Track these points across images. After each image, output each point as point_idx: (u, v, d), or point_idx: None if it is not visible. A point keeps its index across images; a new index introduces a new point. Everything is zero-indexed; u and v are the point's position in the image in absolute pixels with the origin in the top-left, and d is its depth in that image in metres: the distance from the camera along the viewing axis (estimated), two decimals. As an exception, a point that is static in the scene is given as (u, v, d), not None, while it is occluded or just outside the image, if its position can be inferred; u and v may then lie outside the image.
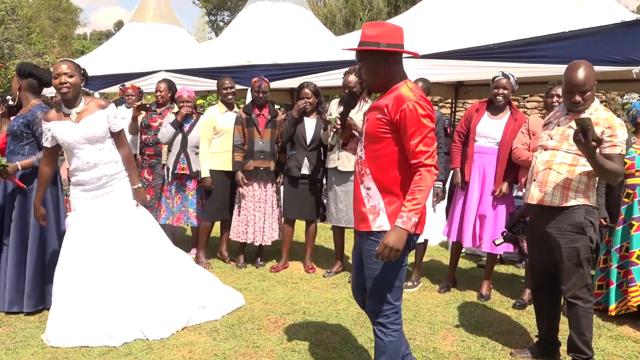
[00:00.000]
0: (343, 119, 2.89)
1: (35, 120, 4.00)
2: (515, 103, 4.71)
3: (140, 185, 3.84)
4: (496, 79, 4.63)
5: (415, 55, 2.70)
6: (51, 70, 4.33)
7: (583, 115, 3.12)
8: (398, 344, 2.69)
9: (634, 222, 4.14)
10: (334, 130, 2.86)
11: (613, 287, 4.19)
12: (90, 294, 3.53)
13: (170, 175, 5.54)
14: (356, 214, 2.74)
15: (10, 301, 3.99)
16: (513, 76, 4.63)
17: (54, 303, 3.60)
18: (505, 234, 3.67)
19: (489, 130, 4.62)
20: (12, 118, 4.67)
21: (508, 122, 4.59)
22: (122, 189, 3.78)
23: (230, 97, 5.57)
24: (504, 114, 4.65)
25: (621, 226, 4.22)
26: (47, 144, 3.69)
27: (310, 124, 5.28)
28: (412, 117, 2.48)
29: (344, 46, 2.65)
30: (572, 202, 3.18)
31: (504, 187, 4.56)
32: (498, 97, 4.61)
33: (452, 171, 4.97)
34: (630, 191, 4.19)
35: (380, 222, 2.59)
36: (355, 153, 2.98)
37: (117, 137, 3.77)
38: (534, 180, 3.33)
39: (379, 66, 2.58)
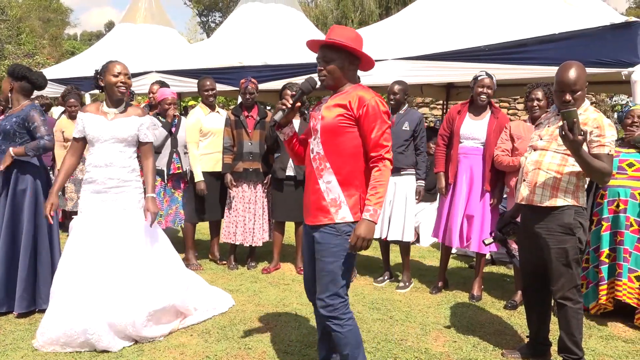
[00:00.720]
0: (296, 99, 2.89)
1: (29, 116, 4.03)
2: (505, 105, 4.74)
3: (154, 195, 3.75)
4: (479, 78, 4.63)
5: (371, 66, 2.88)
6: (43, 73, 4.34)
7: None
8: (356, 330, 2.77)
9: (603, 223, 4.23)
10: (283, 108, 2.87)
11: (592, 285, 4.27)
12: (86, 301, 3.47)
13: (165, 176, 5.51)
14: (312, 209, 2.80)
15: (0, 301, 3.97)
16: (494, 76, 4.66)
17: (50, 306, 3.54)
18: (495, 234, 3.68)
19: (473, 131, 4.64)
20: None
21: (490, 121, 4.62)
22: (130, 198, 3.71)
23: (211, 98, 5.53)
24: (485, 114, 4.67)
25: (596, 227, 4.29)
26: (76, 134, 3.72)
27: (295, 124, 5.26)
28: (374, 112, 2.68)
29: (302, 44, 2.82)
30: (560, 203, 3.20)
31: (497, 193, 4.62)
32: (482, 97, 4.61)
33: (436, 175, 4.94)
34: (603, 192, 4.27)
35: (343, 214, 2.72)
36: (286, 137, 3.03)
37: (143, 146, 3.77)
38: (524, 180, 3.35)
39: (346, 67, 2.77)
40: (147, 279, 3.65)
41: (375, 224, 2.64)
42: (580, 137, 2.90)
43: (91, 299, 3.48)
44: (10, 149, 3.99)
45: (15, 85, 4.13)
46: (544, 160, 3.25)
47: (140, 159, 3.83)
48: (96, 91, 8.96)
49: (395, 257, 5.95)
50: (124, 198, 3.69)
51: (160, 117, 5.57)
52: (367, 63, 2.83)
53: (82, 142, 3.75)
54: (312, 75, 2.90)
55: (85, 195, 3.70)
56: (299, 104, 2.92)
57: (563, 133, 2.93)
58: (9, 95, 4.17)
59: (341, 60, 2.74)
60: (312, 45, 2.81)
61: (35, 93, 4.63)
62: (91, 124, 3.66)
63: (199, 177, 5.35)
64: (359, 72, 3.05)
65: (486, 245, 3.82)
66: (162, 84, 6.15)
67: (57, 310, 3.48)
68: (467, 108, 4.74)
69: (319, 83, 2.86)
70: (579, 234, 3.19)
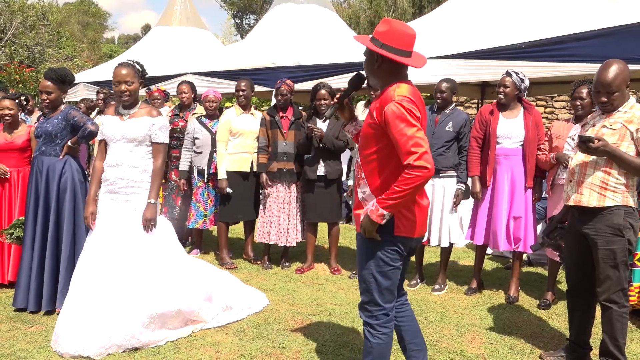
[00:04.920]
0: (343, 96, 2.86)
1: (68, 114, 4.22)
2: (542, 103, 4.66)
3: (154, 201, 3.69)
4: (500, 77, 4.63)
5: (414, 67, 2.63)
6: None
7: (611, 118, 3.15)
8: (385, 347, 2.72)
9: None
10: (332, 103, 2.87)
11: None
12: (109, 300, 3.51)
13: (206, 176, 5.63)
14: (357, 220, 2.75)
15: (46, 301, 4.08)
16: (518, 74, 4.54)
17: (68, 309, 3.56)
18: (543, 239, 3.62)
19: (510, 130, 4.57)
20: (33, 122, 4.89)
21: (525, 118, 4.55)
22: (141, 199, 3.72)
23: (241, 99, 5.59)
24: (517, 112, 4.60)
25: None
26: (99, 136, 3.84)
27: (323, 126, 5.27)
28: (394, 116, 2.46)
29: (337, 43, 2.79)
30: (609, 203, 3.11)
31: (537, 192, 4.56)
32: (500, 96, 4.61)
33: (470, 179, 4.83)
34: None
35: None
36: (352, 135, 3.04)
37: (154, 146, 3.76)
38: (570, 181, 3.28)
39: (371, 64, 2.63)
40: (149, 283, 3.61)
41: (375, 222, 2.50)
42: (598, 143, 3.01)
43: (100, 306, 3.49)
44: (69, 141, 4.24)
45: (66, 90, 4.33)
46: (590, 160, 3.18)
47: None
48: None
49: (428, 257, 5.91)
50: (135, 199, 3.70)
51: (203, 117, 5.72)
52: (413, 60, 2.61)
53: (105, 144, 3.83)
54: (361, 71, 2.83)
55: (100, 195, 3.77)
56: (346, 100, 2.89)
57: (582, 149, 3.10)
58: (62, 100, 4.33)
59: (367, 57, 2.64)
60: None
61: (78, 95, 4.78)
62: (106, 125, 3.75)
63: (221, 175, 5.42)
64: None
65: (534, 251, 3.76)
66: (191, 84, 6.27)
67: (82, 312, 3.50)
68: (498, 108, 4.68)
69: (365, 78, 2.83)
70: (628, 236, 3.10)
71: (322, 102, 5.16)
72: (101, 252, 3.62)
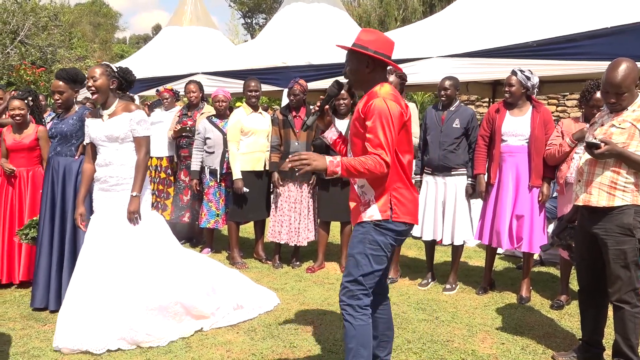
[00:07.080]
0: (323, 103, 3.01)
1: (84, 116, 4.22)
2: (554, 101, 4.62)
3: (136, 194, 3.69)
4: (507, 76, 4.62)
5: (397, 69, 2.86)
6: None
7: (619, 117, 3.14)
8: (367, 329, 2.76)
9: None
10: (312, 111, 3.03)
11: None
12: (105, 294, 3.54)
13: (219, 176, 5.66)
14: (353, 212, 2.91)
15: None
16: (524, 72, 4.52)
17: (66, 305, 3.59)
18: (552, 240, 3.60)
19: (516, 128, 4.55)
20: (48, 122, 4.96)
21: (533, 116, 4.52)
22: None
23: (254, 99, 5.59)
24: (526, 110, 4.58)
25: None
26: (86, 139, 3.88)
27: (342, 125, 5.26)
28: (377, 110, 2.63)
29: (343, 44, 2.94)
30: (619, 203, 3.09)
31: (545, 188, 4.50)
32: (505, 95, 4.62)
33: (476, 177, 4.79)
34: None
35: (371, 213, 2.77)
36: (330, 141, 3.18)
37: (135, 140, 3.77)
38: (579, 181, 3.26)
39: (362, 69, 2.79)
40: (145, 276, 3.64)
41: (329, 171, 2.61)
42: (603, 146, 3.02)
43: (96, 300, 3.53)
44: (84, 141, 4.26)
45: (78, 90, 4.36)
46: (599, 159, 3.16)
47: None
48: (144, 92, 9.22)
49: (440, 256, 5.90)
50: (126, 195, 3.73)
51: (213, 117, 5.74)
52: (393, 65, 2.83)
53: (92, 147, 3.85)
54: (338, 78, 2.99)
55: (94, 194, 3.83)
56: (327, 107, 3.03)
57: (590, 152, 3.12)
58: (74, 100, 4.37)
59: (356, 63, 2.79)
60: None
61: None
62: (90, 128, 3.79)
63: (237, 175, 5.41)
64: (407, 70, 3.04)
65: (544, 251, 3.74)
66: (198, 84, 6.29)
67: (71, 312, 3.54)
68: (505, 106, 4.66)
69: (344, 85, 3.01)
70: (638, 235, 3.08)
71: (342, 101, 5.21)
72: (97, 248, 3.66)
